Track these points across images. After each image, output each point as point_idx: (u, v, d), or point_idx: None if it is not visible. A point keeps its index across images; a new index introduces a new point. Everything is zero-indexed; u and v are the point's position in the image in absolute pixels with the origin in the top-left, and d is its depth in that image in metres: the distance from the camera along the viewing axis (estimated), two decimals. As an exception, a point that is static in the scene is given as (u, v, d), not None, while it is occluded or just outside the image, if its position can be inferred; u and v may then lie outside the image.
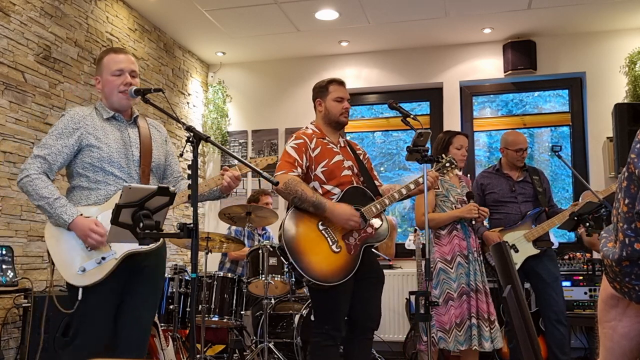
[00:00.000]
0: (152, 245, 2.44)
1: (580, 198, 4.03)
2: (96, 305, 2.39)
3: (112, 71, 2.52)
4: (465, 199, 3.75)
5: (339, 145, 3.07)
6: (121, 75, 2.52)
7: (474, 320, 3.50)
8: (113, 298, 2.43)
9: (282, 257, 4.06)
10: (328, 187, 2.94)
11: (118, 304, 2.47)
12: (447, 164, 3.12)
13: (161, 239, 2.55)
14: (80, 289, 2.35)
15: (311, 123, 3.13)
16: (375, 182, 3.13)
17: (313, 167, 2.94)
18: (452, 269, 3.57)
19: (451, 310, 3.50)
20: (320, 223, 2.85)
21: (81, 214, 2.37)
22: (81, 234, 2.35)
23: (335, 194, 2.93)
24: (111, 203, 2.43)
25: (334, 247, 2.83)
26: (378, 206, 2.93)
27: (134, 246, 2.40)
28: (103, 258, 2.37)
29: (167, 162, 2.71)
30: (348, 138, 3.26)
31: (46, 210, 2.35)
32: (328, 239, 2.83)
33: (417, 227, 3.73)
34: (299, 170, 2.89)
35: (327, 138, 3.04)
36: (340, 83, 3.11)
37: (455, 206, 3.70)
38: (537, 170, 4.25)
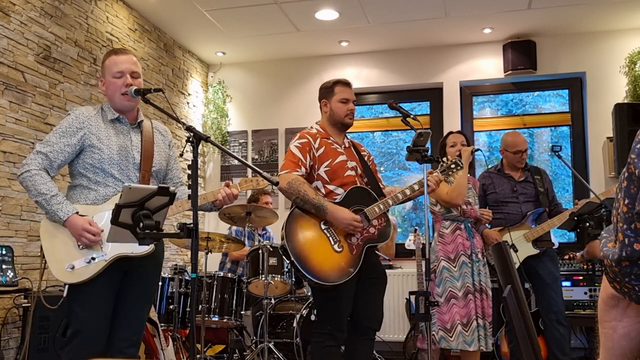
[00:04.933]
0: (145, 250, 2.44)
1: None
2: (90, 304, 2.39)
3: (112, 73, 2.55)
4: (470, 200, 3.75)
5: (343, 146, 3.07)
6: (122, 77, 2.54)
7: (480, 321, 3.49)
8: (107, 298, 2.44)
9: (284, 256, 4.06)
10: (331, 187, 2.94)
11: (114, 304, 2.47)
12: (453, 166, 3.12)
13: (158, 242, 2.55)
14: (66, 287, 2.37)
15: (316, 123, 3.13)
16: (380, 183, 3.13)
17: (316, 166, 2.94)
18: (455, 267, 3.56)
19: (454, 309, 3.48)
20: (322, 222, 2.85)
21: (77, 212, 2.38)
22: (75, 233, 2.37)
23: (338, 194, 2.93)
24: (109, 203, 2.44)
25: (336, 246, 2.82)
26: (381, 206, 2.93)
27: (125, 250, 2.41)
28: (93, 258, 2.39)
29: (168, 167, 2.72)
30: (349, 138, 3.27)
31: (43, 206, 2.38)
32: (330, 238, 2.83)
33: (442, 202, 3.67)
34: (303, 170, 2.89)
35: (331, 138, 3.05)
36: (346, 84, 3.10)
37: (459, 206, 3.69)
38: (539, 170, 4.25)
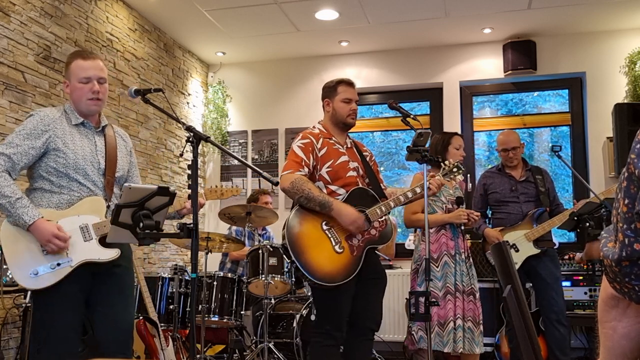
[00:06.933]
0: (111, 256, 2.42)
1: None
2: (57, 309, 2.35)
3: (79, 78, 2.50)
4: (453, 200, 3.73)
5: (345, 146, 3.07)
6: (88, 82, 2.49)
7: (459, 322, 3.44)
8: (75, 301, 2.39)
9: (285, 256, 4.06)
10: (333, 187, 2.93)
11: (84, 307, 2.43)
12: (455, 169, 3.11)
13: (122, 245, 2.50)
14: (29, 293, 2.33)
15: (318, 122, 3.12)
16: (381, 184, 3.12)
17: (318, 167, 2.94)
18: (438, 267, 3.53)
19: (434, 309, 3.42)
20: (324, 223, 2.85)
21: (42, 217, 2.32)
22: (41, 238, 2.30)
23: (340, 195, 2.92)
24: (74, 209, 2.41)
25: (337, 247, 2.82)
26: (383, 208, 2.92)
27: (92, 255, 2.38)
28: (58, 264, 2.33)
29: (129, 174, 2.70)
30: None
31: (6, 209, 2.30)
32: (331, 239, 2.83)
33: (406, 225, 3.74)
34: (306, 169, 2.88)
35: (333, 138, 3.04)
36: (349, 84, 3.09)
37: (446, 206, 3.68)
38: (540, 170, 4.25)
